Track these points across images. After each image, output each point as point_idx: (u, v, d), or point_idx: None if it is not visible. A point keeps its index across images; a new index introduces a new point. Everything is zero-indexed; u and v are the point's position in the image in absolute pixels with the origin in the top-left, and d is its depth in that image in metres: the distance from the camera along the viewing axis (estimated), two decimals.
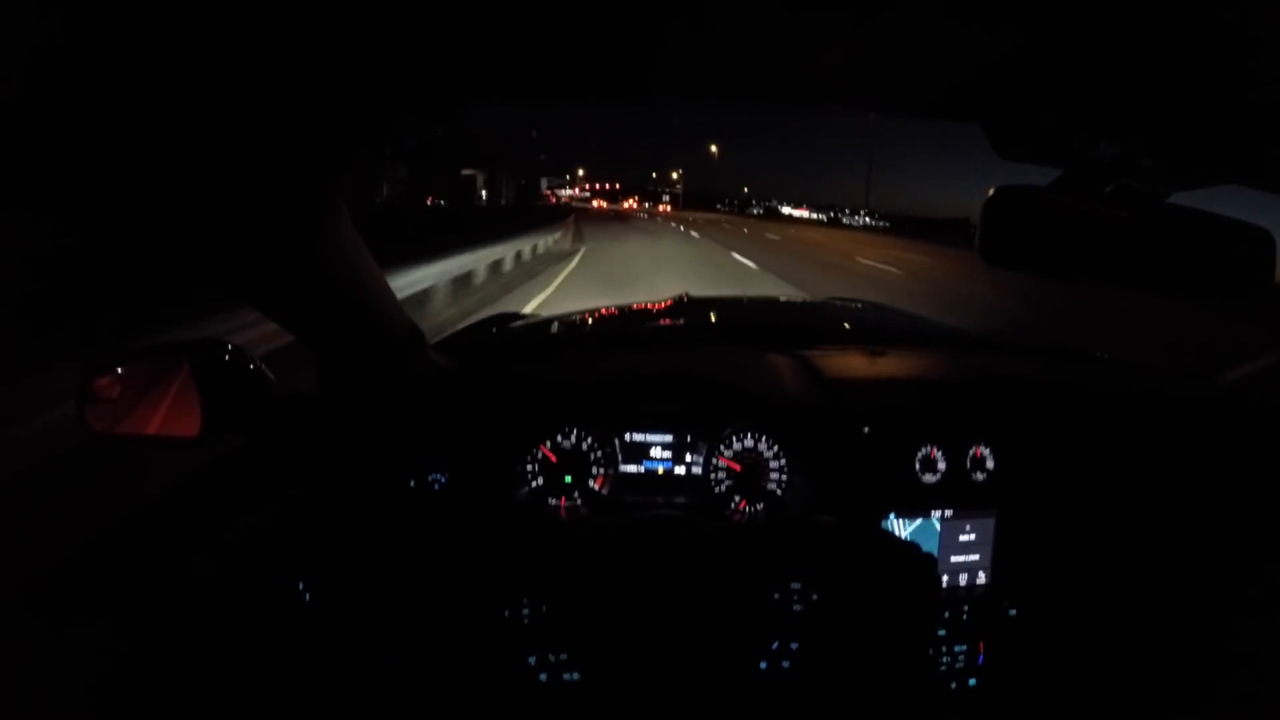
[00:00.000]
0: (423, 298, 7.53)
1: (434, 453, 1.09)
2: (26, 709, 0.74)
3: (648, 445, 1.15)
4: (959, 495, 1.14)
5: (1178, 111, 0.61)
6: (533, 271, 12.02)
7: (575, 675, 0.96)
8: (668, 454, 1.15)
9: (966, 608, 1.12)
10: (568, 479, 1.11)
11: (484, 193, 52.41)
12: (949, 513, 1.13)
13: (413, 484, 1.08)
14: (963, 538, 1.14)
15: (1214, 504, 1.15)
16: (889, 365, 1.33)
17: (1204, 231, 0.75)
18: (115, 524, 0.94)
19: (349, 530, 1.02)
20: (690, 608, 0.87)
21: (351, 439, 1.05)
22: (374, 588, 0.93)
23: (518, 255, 12.90)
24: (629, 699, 0.89)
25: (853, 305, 2.34)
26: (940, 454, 1.14)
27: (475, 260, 9.80)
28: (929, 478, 1.13)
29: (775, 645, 0.96)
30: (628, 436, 1.14)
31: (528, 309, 7.17)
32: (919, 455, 1.13)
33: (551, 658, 0.95)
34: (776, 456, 1.12)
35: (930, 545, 1.13)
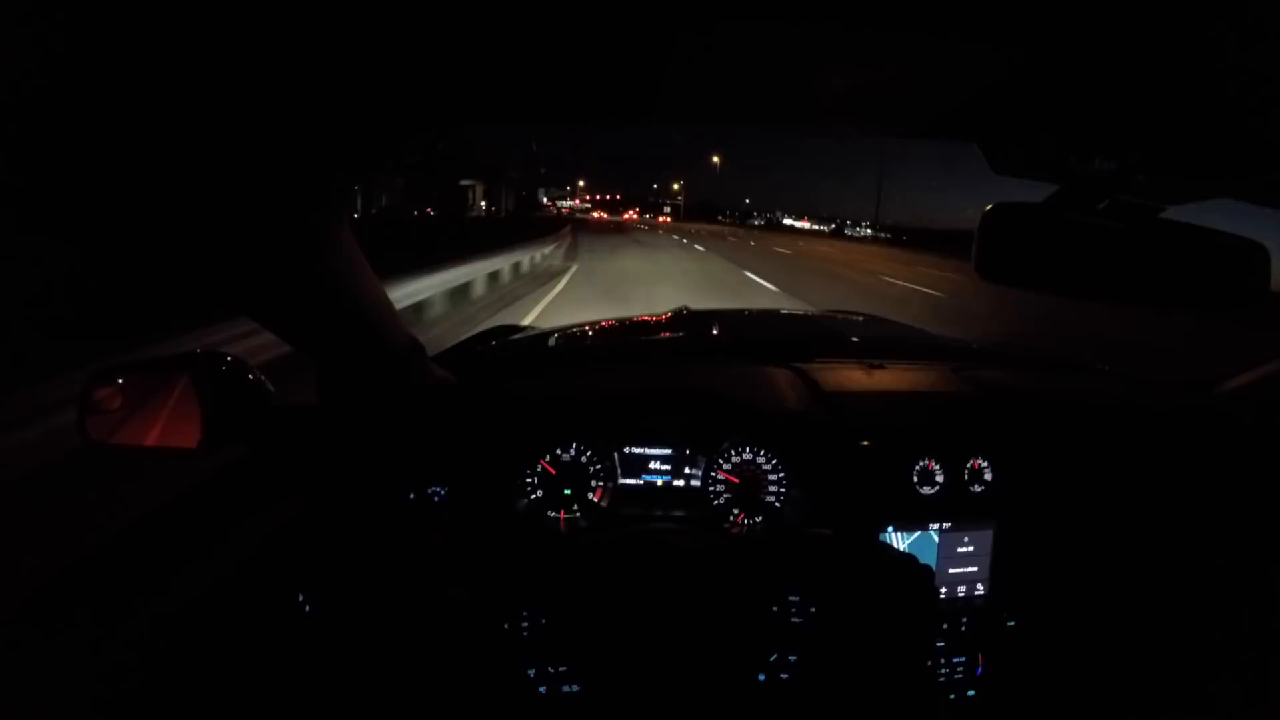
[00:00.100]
0: None
1: (434, 465, 1.09)
2: (27, 712, 0.74)
3: (647, 458, 1.15)
4: (957, 507, 1.14)
5: (1171, 128, 0.62)
6: (509, 297, 10.14)
7: (575, 687, 0.95)
8: (667, 467, 1.15)
9: (965, 619, 1.12)
10: (567, 492, 1.12)
11: (483, 203, 52.50)
12: (947, 525, 1.13)
13: (412, 496, 1.08)
14: (961, 550, 1.14)
15: (1212, 515, 1.15)
16: (887, 378, 1.34)
17: (1198, 245, 0.76)
18: (116, 535, 0.94)
19: (349, 542, 1.02)
20: (689, 620, 0.86)
21: (352, 451, 1.05)
22: (374, 599, 0.93)
23: (493, 276, 10.94)
24: (628, 711, 0.88)
25: (851, 318, 2.34)
26: (938, 466, 1.14)
27: (439, 284, 8.00)
28: (927, 490, 1.13)
29: (774, 657, 0.96)
30: (627, 450, 1.15)
31: None
32: (917, 468, 1.14)
33: (551, 670, 0.95)
34: (775, 470, 1.12)
35: (928, 557, 1.13)
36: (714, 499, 1.13)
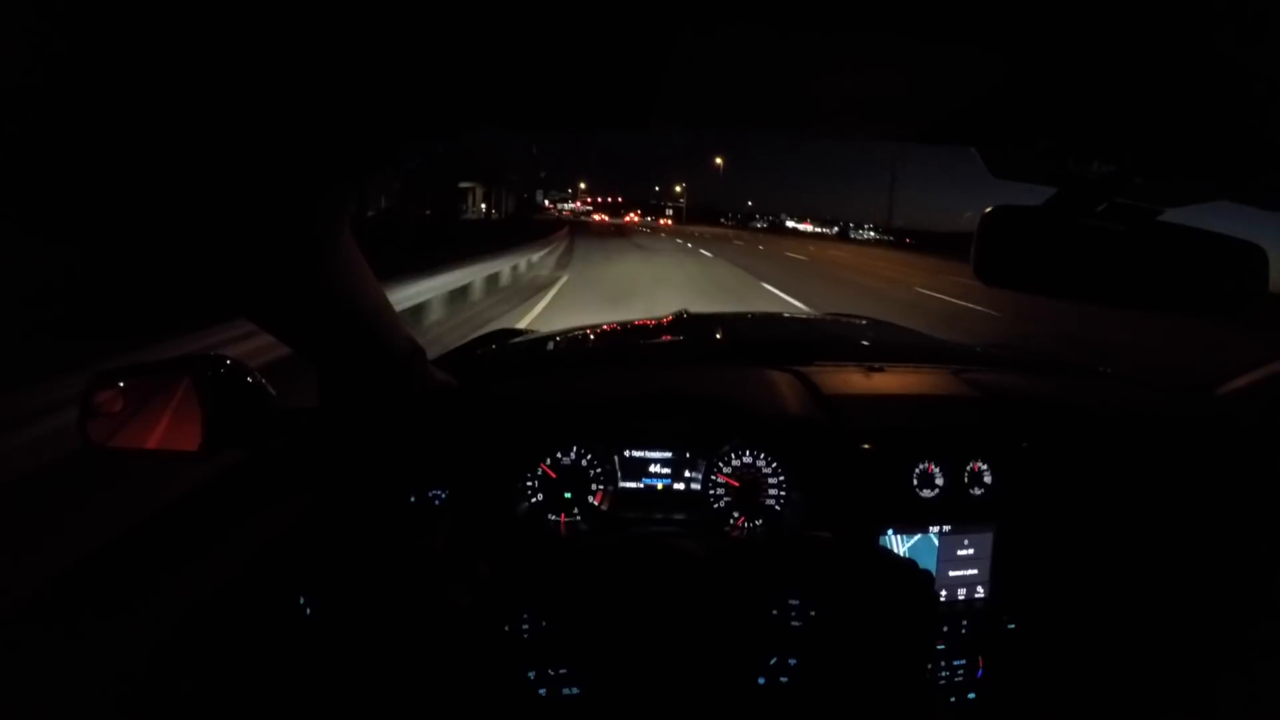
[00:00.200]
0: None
1: (434, 468, 1.09)
2: (29, 713, 0.74)
3: (647, 462, 1.15)
4: (957, 510, 1.14)
5: (1169, 131, 0.62)
6: (475, 321, 8.07)
7: (575, 689, 0.95)
8: (667, 470, 1.15)
9: (965, 622, 1.12)
10: (567, 495, 1.12)
11: (483, 206, 52.42)
12: (947, 528, 1.13)
13: (413, 499, 1.08)
14: (961, 552, 1.14)
15: (1212, 517, 1.15)
16: (887, 382, 1.34)
17: (1197, 247, 0.76)
18: (118, 537, 0.94)
19: (350, 545, 1.02)
20: (689, 623, 0.86)
21: (352, 454, 1.05)
22: (374, 602, 0.93)
23: (458, 294, 8.94)
24: (628, 713, 0.88)
25: (852, 321, 2.34)
26: (938, 469, 1.14)
27: (407, 298, 6.87)
28: (927, 493, 1.13)
29: (774, 661, 0.96)
30: (627, 453, 1.15)
31: None
32: (917, 471, 1.14)
33: (551, 672, 0.95)
34: (775, 473, 1.13)
35: (929, 560, 1.13)
36: (714, 502, 1.13)
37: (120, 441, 0.94)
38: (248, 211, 0.60)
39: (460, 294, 9.14)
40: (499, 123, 0.64)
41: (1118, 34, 0.45)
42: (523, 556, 0.99)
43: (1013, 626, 1.13)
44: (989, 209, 0.75)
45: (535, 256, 14.95)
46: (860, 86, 0.58)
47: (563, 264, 16.83)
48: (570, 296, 10.75)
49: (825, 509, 1.09)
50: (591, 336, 1.91)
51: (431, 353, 1.11)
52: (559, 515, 1.11)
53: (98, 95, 0.42)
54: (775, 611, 0.97)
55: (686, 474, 1.15)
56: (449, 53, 0.48)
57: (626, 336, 1.99)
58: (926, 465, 1.14)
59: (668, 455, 1.15)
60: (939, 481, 1.14)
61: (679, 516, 1.13)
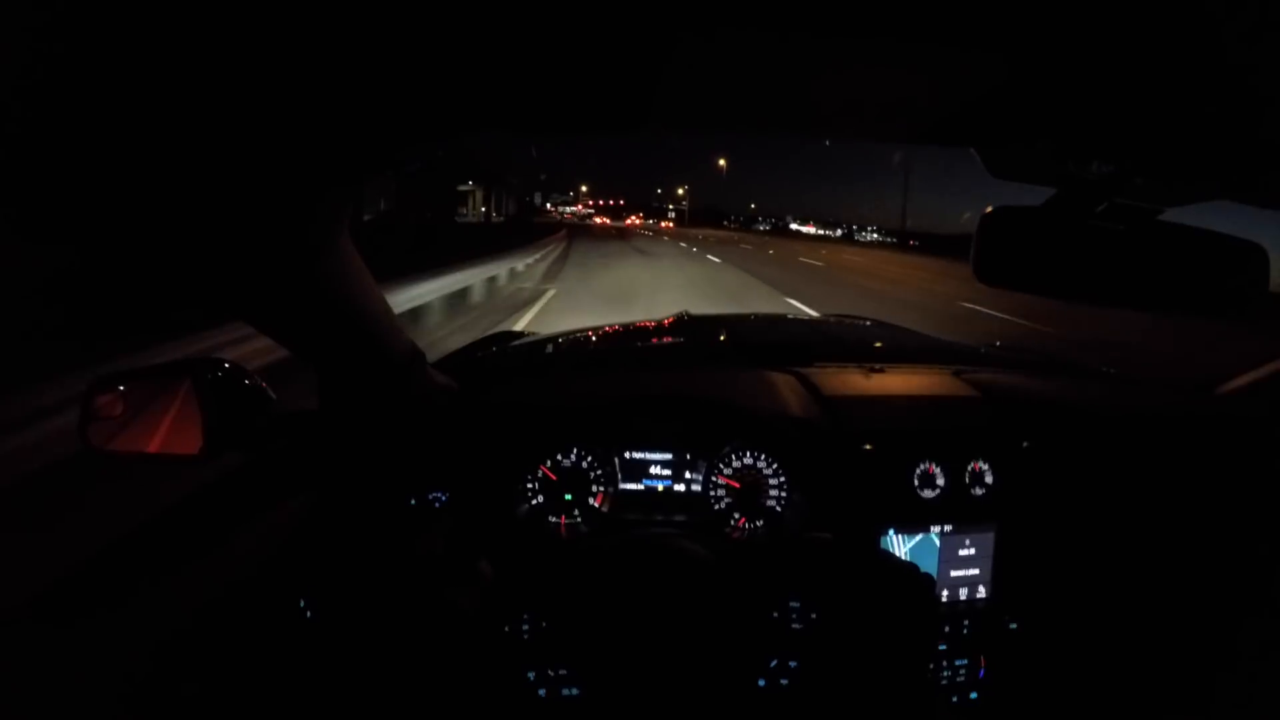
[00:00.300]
0: None
1: (434, 471, 1.09)
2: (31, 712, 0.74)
3: (647, 463, 1.15)
4: (958, 510, 1.14)
5: (1168, 132, 0.62)
6: (429, 351, 4.81)
7: (574, 691, 0.95)
8: (667, 472, 1.15)
9: (967, 622, 1.12)
10: (568, 497, 1.12)
11: (483, 209, 52.37)
12: (948, 528, 1.13)
13: (413, 502, 1.08)
14: (962, 552, 1.14)
15: (1213, 516, 1.15)
16: (888, 382, 1.34)
17: (1197, 247, 0.76)
18: (119, 539, 0.94)
19: (350, 548, 1.02)
20: (689, 625, 0.86)
21: (352, 457, 1.05)
22: (375, 604, 0.93)
23: (415, 316, 7.85)
24: (628, 715, 0.88)
25: (851, 322, 2.34)
26: (939, 470, 1.14)
27: None
28: (928, 493, 1.13)
29: (774, 663, 0.96)
30: (627, 455, 1.15)
31: None
32: (918, 471, 1.13)
33: (551, 673, 0.95)
34: (776, 474, 1.12)
35: (930, 560, 1.13)
36: (715, 504, 1.13)
37: (121, 445, 0.94)
38: (246, 214, 0.60)
39: (413, 317, 7.79)
40: (496, 125, 0.64)
41: (1117, 34, 0.45)
42: (523, 558, 0.99)
43: (1015, 626, 1.13)
44: (989, 209, 0.75)
45: (522, 265, 13.90)
46: (859, 88, 0.58)
47: (553, 273, 14.89)
48: (555, 314, 9.13)
49: (826, 510, 1.08)
50: (592, 338, 1.92)
51: (430, 357, 1.11)
52: (559, 517, 1.11)
53: (95, 97, 0.42)
54: (776, 614, 0.97)
55: (687, 475, 1.15)
56: (446, 55, 0.48)
57: (627, 338, 1.99)
58: (927, 466, 1.14)
59: (668, 457, 1.15)
60: (940, 482, 1.14)
61: (679, 518, 1.13)
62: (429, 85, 0.53)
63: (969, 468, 1.15)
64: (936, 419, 1.21)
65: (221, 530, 0.99)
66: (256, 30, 0.42)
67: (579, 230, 49.76)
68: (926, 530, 1.13)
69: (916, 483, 1.13)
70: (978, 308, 12.85)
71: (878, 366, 1.40)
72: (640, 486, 1.15)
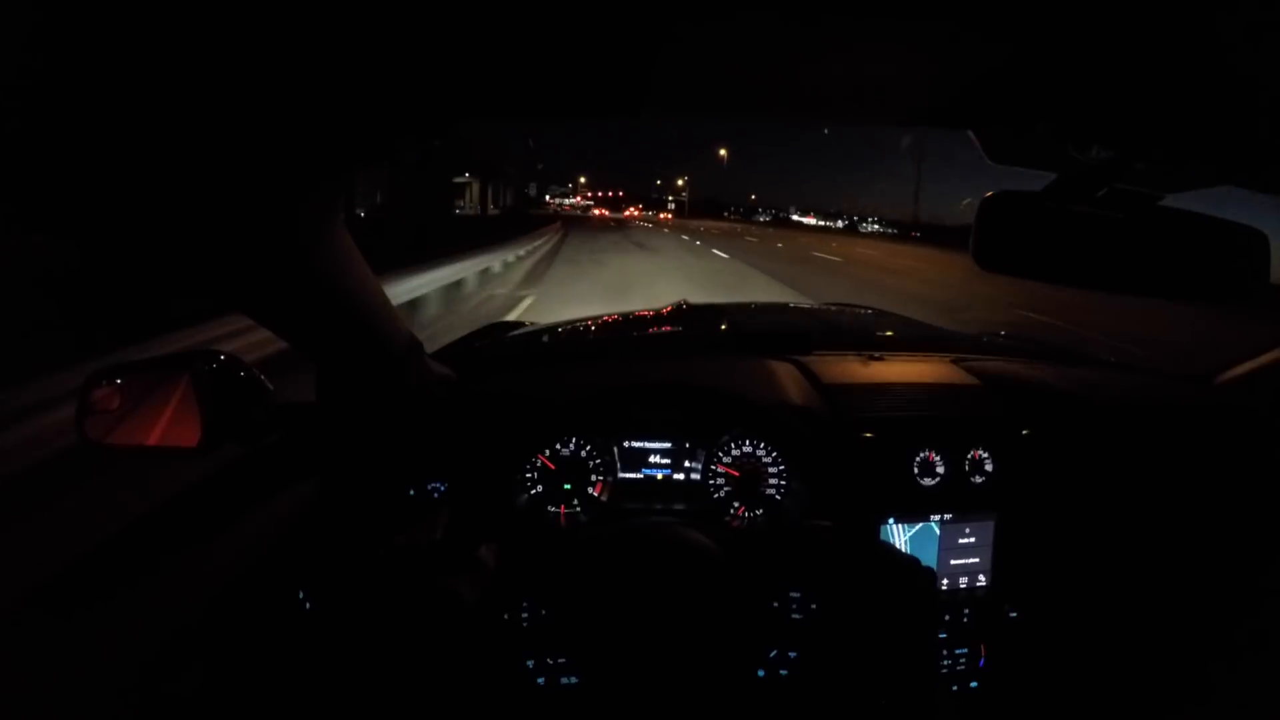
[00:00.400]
0: None
1: (433, 462, 1.09)
2: (31, 706, 0.74)
3: (646, 452, 1.15)
4: (958, 499, 1.14)
5: (1169, 116, 0.61)
6: None
7: (573, 679, 0.96)
8: (666, 461, 1.15)
9: (967, 611, 1.12)
10: (567, 486, 1.12)
11: (477, 202, 52.10)
12: (948, 516, 1.13)
13: (412, 492, 1.08)
14: (962, 541, 1.14)
15: (1213, 505, 1.15)
16: (887, 370, 1.33)
17: (1198, 234, 0.75)
18: (119, 531, 0.94)
19: (349, 538, 1.02)
20: (689, 614, 0.87)
21: (351, 448, 1.05)
22: (374, 595, 0.93)
23: None
24: (627, 703, 0.89)
25: (851, 311, 2.34)
26: (939, 458, 1.14)
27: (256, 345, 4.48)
28: (928, 482, 1.13)
29: (774, 654, 0.96)
30: (626, 444, 1.15)
31: None
32: (917, 459, 1.13)
33: (550, 661, 0.96)
34: (775, 463, 1.12)
35: (930, 549, 1.13)
36: (714, 492, 1.13)
37: (118, 439, 0.94)
38: (240, 205, 0.60)
39: None
40: (490, 112, 0.63)
41: (1117, 16, 0.44)
42: (522, 547, 0.99)
43: (1014, 615, 1.13)
44: (989, 194, 0.75)
45: (499, 262, 11.93)
46: (856, 70, 0.57)
47: (537, 274, 12.54)
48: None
49: (826, 498, 1.08)
50: (591, 327, 1.91)
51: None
52: (558, 507, 1.11)
53: (88, 88, 0.42)
54: (776, 604, 0.97)
55: (686, 464, 1.15)
56: (439, 40, 0.48)
57: (625, 327, 1.99)
58: (927, 454, 1.14)
59: (667, 445, 1.15)
60: (940, 470, 1.14)
61: (679, 507, 1.13)
62: (420, 70, 0.53)
63: (969, 456, 1.15)
64: (936, 407, 1.21)
65: (220, 522, 0.99)
66: (246, 17, 0.42)
67: (576, 222, 48.09)
68: (926, 519, 1.13)
69: (916, 471, 1.13)
70: (1042, 318, 9.49)
71: (877, 355, 1.40)
72: (639, 475, 1.15)
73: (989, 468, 1.15)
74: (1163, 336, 7.99)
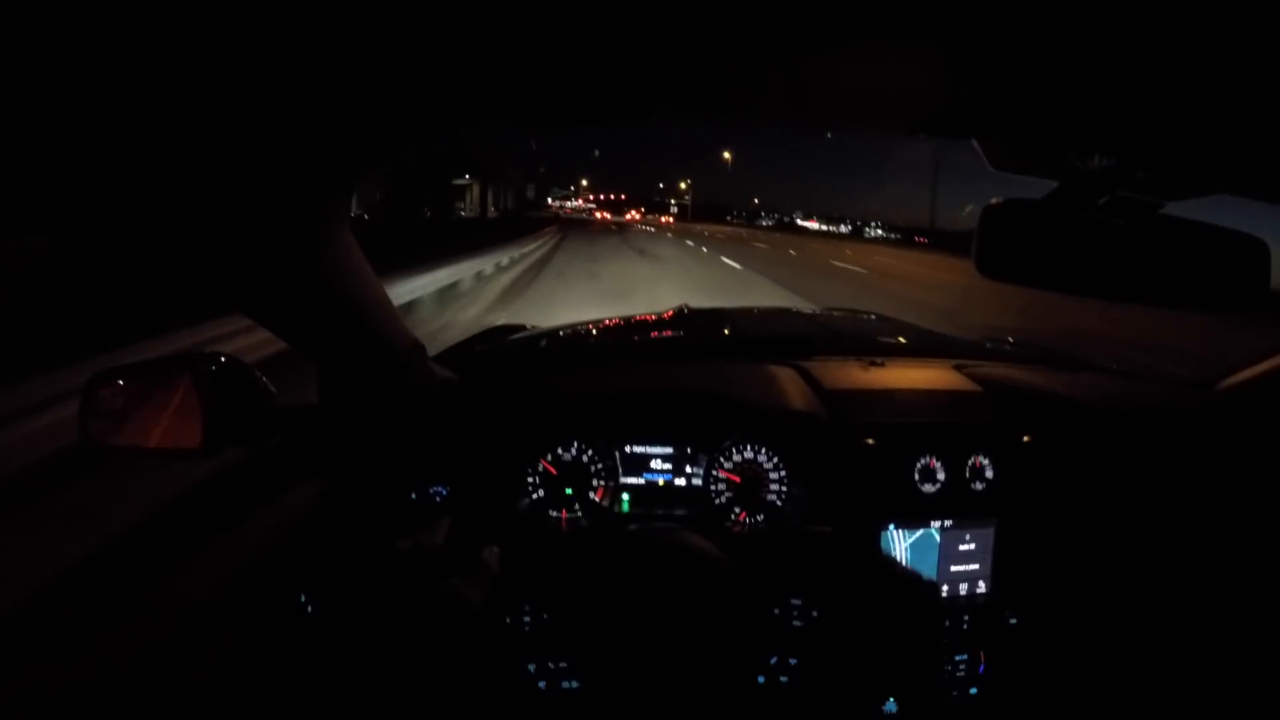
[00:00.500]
0: None
1: (435, 465, 1.09)
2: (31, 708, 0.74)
3: (648, 457, 1.15)
4: (958, 505, 1.14)
5: (1171, 124, 0.62)
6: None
7: (574, 684, 0.96)
8: (668, 466, 1.15)
9: (967, 617, 1.12)
10: (568, 491, 1.12)
11: (478, 203, 51.94)
12: (949, 523, 1.13)
13: (414, 496, 1.08)
14: (963, 547, 1.14)
15: (1213, 511, 1.15)
16: (889, 376, 1.33)
17: (1199, 242, 0.75)
18: (121, 533, 0.94)
19: (350, 542, 1.02)
20: (689, 620, 0.87)
21: (353, 451, 1.05)
22: (375, 598, 0.93)
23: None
24: (627, 709, 0.88)
25: (852, 316, 2.34)
26: (939, 464, 1.14)
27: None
28: (928, 488, 1.13)
29: (774, 660, 0.96)
30: (628, 449, 1.15)
31: None
32: (918, 465, 1.13)
33: (551, 666, 0.95)
34: (776, 468, 1.12)
35: (930, 555, 1.13)
36: (715, 497, 1.13)
37: (121, 440, 0.94)
38: (243, 206, 0.60)
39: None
40: (495, 115, 0.64)
41: (1118, 26, 0.44)
42: (524, 552, 0.99)
43: (1015, 621, 1.13)
44: (991, 202, 0.75)
45: (470, 278, 10.34)
46: (861, 78, 0.57)
47: (512, 293, 10.56)
48: None
49: (827, 504, 1.09)
50: (592, 331, 1.91)
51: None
52: (560, 511, 1.11)
53: (91, 90, 0.42)
54: (777, 611, 0.97)
55: (687, 469, 1.15)
56: (444, 44, 0.48)
57: (627, 331, 1.99)
58: (928, 460, 1.14)
59: (669, 450, 1.15)
60: (940, 476, 1.14)
61: (680, 512, 1.13)
62: (425, 73, 0.53)
63: (970, 462, 1.15)
64: (938, 413, 1.21)
65: (222, 525, 0.99)
66: (250, 19, 0.42)
67: (575, 225, 46.79)
68: (927, 525, 1.13)
69: (917, 477, 1.13)
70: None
71: (879, 360, 1.40)
72: (641, 480, 1.15)
73: (990, 474, 1.15)
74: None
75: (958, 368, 1.40)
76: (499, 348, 1.76)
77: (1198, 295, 0.77)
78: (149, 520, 0.97)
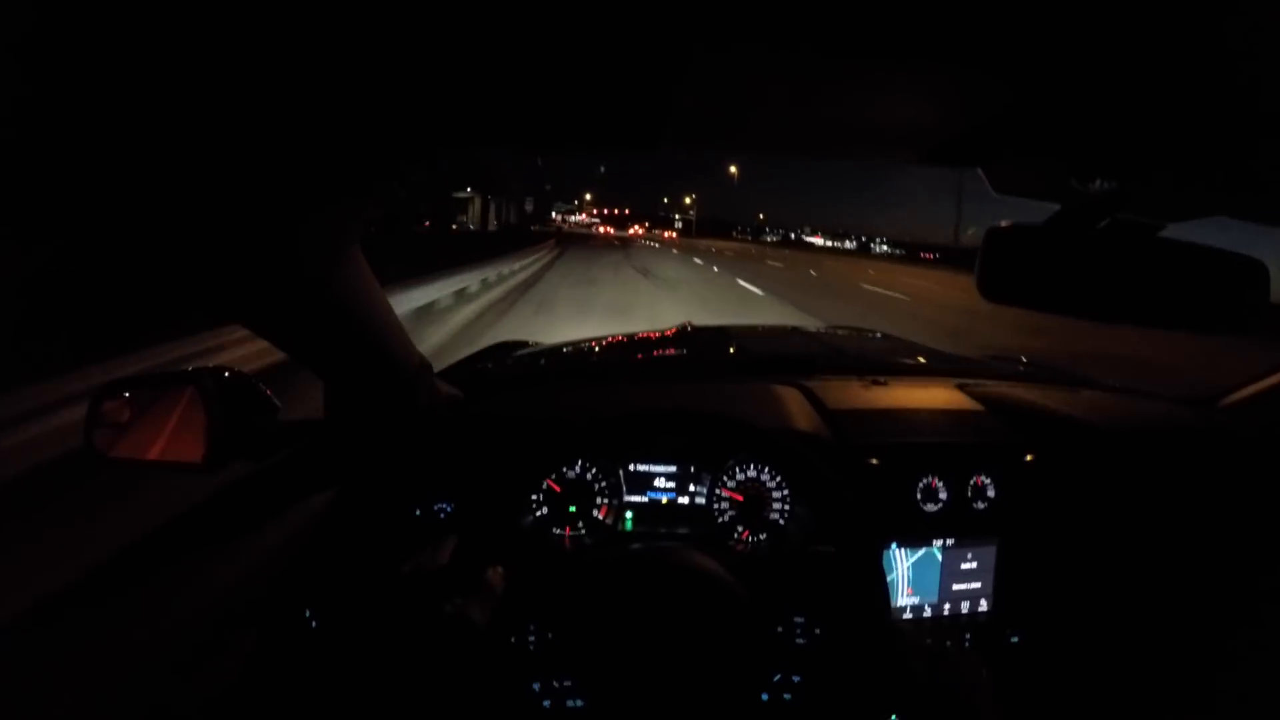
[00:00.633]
0: None
1: (440, 482, 1.09)
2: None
3: (652, 476, 1.15)
4: (960, 524, 1.14)
5: (1170, 149, 0.62)
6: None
7: (579, 702, 0.95)
8: (671, 484, 1.15)
9: (968, 635, 1.11)
10: (572, 508, 1.12)
11: (481, 216, 51.82)
12: (950, 542, 1.13)
13: (418, 513, 1.08)
14: (964, 566, 1.14)
15: (1215, 530, 1.15)
16: (891, 396, 1.34)
17: (1199, 264, 0.76)
18: (125, 546, 0.94)
19: (355, 558, 1.02)
20: (693, 638, 0.86)
21: (359, 467, 1.05)
22: (380, 614, 0.93)
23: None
24: None
25: (855, 335, 2.34)
26: (942, 483, 1.14)
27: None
28: (931, 507, 1.13)
29: (777, 678, 0.96)
30: (632, 467, 1.15)
31: None
32: (920, 485, 1.14)
33: (556, 684, 0.95)
34: (779, 487, 1.12)
35: (932, 574, 1.13)
36: (718, 516, 1.13)
37: (125, 452, 0.94)
38: (257, 224, 0.61)
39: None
40: (505, 142, 0.64)
41: (1121, 56, 0.45)
42: (528, 569, 0.99)
43: (1016, 640, 1.12)
44: (995, 225, 0.75)
45: (446, 297, 9.28)
46: (870, 111, 0.58)
47: (486, 322, 9.08)
48: None
49: (829, 523, 1.08)
50: (596, 349, 1.92)
51: None
52: (564, 529, 1.11)
53: (111, 109, 0.43)
54: (780, 628, 0.97)
55: (691, 488, 1.15)
56: (460, 72, 0.49)
57: (630, 349, 1.99)
58: (930, 479, 1.14)
59: (672, 469, 1.15)
60: (943, 495, 1.14)
61: (683, 530, 1.13)
62: (442, 100, 0.54)
63: (972, 481, 1.15)
64: (940, 433, 1.21)
65: (225, 539, 0.99)
66: (272, 41, 0.43)
67: (576, 240, 45.61)
68: (929, 544, 1.13)
69: (919, 496, 1.13)
70: None
71: (882, 379, 1.41)
72: (644, 498, 1.15)
73: (992, 493, 1.15)
74: None
75: (960, 387, 1.40)
76: (503, 364, 1.77)
77: (1198, 317, 0.78)
78: (152, 534, 0.97)
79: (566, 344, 1.95)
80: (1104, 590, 1.14)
